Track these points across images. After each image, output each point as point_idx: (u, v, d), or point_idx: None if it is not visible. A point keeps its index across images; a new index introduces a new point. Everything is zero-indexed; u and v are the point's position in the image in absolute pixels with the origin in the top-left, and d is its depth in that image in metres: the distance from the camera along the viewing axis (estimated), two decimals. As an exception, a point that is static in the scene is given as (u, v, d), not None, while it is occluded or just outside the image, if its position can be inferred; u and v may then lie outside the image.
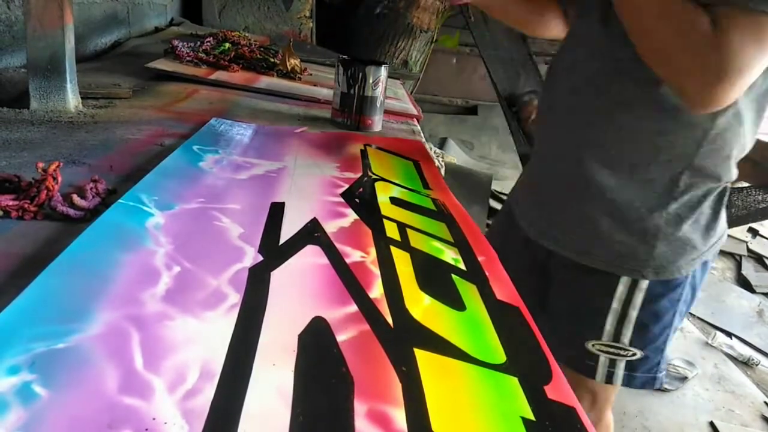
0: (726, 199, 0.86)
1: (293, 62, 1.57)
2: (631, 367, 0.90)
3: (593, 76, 0.83)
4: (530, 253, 0.95)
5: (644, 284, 0.86)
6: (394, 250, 0.62)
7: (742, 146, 0.81)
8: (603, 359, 0.90)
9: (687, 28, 0.66)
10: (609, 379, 0.90)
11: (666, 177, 0.81)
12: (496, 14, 1.09)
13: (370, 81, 1.12)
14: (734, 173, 0.84)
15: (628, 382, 0.90)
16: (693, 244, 0.84)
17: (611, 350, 0.89)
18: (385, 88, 1.16)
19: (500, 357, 0.46)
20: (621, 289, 0.86)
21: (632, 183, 0.82)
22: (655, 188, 0.82)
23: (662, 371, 0.92)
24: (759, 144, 1.39)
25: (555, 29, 1.05)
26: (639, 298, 0.86)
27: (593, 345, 0.90)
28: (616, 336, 0.88)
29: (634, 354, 0.89)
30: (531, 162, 1.01)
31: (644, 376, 0.91)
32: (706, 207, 0.84)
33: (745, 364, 2.44)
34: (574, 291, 0.91)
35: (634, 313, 0.87)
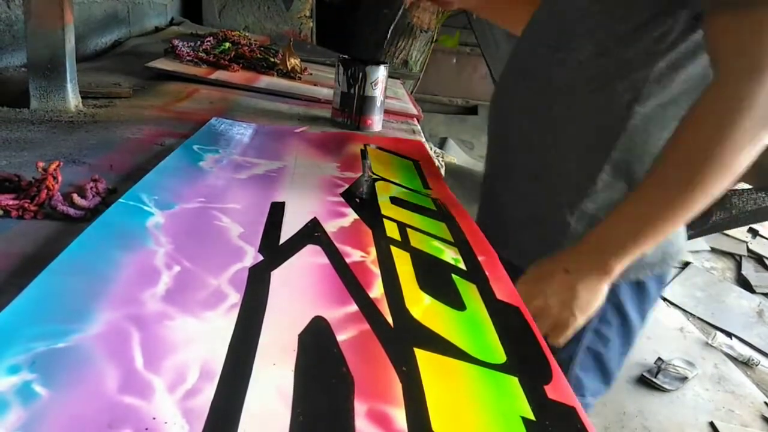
0: None
1: (293, 62, 1.57)
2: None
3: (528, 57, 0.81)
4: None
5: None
6: (394, 249, 0.62)
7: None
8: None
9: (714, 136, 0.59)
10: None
11: (583, 171, 0.74)
12: (486, 15, 1.06)
13: (370, 81, 1.12)
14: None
15: None
16: None
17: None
18: (386, 88, 1.16)
19: (500, 357, 0.46)
20: None
21: (549, 175, 0.77)
22: (570, 182, 0.76)
23: (584, 395, 0.82)
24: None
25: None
26: None
27: None
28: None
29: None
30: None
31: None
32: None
33: (745, 364, 2.44)
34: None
35: None
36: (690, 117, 0.63)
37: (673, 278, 3.09)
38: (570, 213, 0.76)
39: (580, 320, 0.70)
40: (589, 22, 0.73)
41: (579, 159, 0.76)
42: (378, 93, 1.14)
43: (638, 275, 0.78)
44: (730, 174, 0.62)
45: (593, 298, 0.69)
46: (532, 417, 0.40)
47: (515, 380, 0.44)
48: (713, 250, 3.54)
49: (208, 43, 1.66)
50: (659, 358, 2.26)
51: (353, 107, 1.14)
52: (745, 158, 0.61)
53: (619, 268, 0.67)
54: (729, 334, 2.67)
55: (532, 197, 0.80)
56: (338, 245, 0.61)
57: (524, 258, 0.76)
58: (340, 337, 0.45)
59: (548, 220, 0.79)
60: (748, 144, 0.60)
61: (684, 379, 2.20)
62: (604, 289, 0.69)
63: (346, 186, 0.79)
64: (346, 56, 1.13)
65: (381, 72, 1.13)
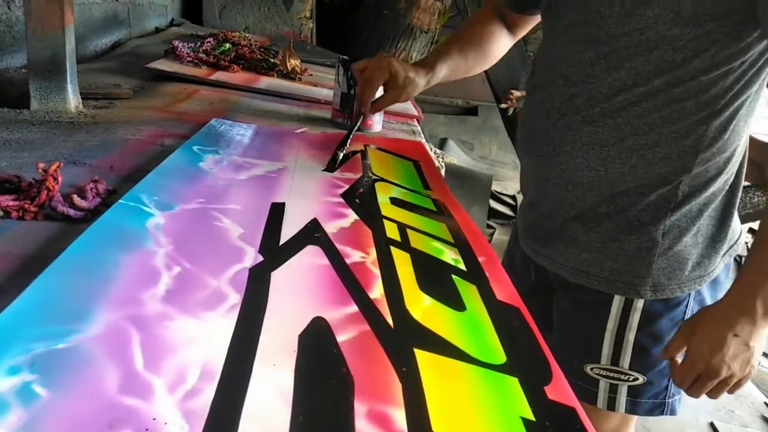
0: (735, 201, 0.80)
1: (293, 63, 1.57)
2: (634, 392, 0.84)
3: (560, 95, 0.78)
4: (534, 271, 0.91)
5: (640, 303, 0.80)
6: (394, 250, 0.62)
7: (742, 152, 0.78)
8: (603, 384, 0.84)
9: None
10: (611, 405, 0.84)
11: (662, 188, 0.75)
12: (454, 77, 1.06)
13: None
14: (740, 171, 0.79)
15: (631, 408, 0.84)
16: (695, 258, 0.78)
17: (611, 374, 0.84)
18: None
19: (500, 357, 0.46)
20: (615, 308, 0.81)
21: (627, 198, 0.77)
22: (652, 200, 0.76)
23: (673, 396, 0.85)
24: (759, 144, 1.39)
25: (503, 47, 1.05)
26: (635, 318, 0.80)
27: (591, 369, 0.84)
28: (615, 359, 0.82)
29: (636, 379, 0.83)
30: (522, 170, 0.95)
31: (650, 402, 0.84)
32: (709, 216, 0.78)
33: (745, 364, 2.44)
34: (571, 311, 0.86)
35: (631, 336, 0.81)
36: None
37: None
38: (656, 229, 0.77)
39: (747, 378, 0.75)
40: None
41: (658, 175, 0.75)
42: (377, 94, 1.14)
43: (716, 272, 0.82)
44: None
45: (763, 343, 0.73)
46: (532, 417, 0.40)
47: (515, 381, 0.44)
48: (713, 251, 3.54)
49: (208, 44, 1.66)
50: (659, 359, 2.26)
51: (353, 108, 1.14)
52: None
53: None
54: (729, 335, 2.67)
55: (607, 221, 0.79)
56: (338, 246, 0.61)
57: (591, 277, 0.81)
58: (340, 338, 0.45)
59: (634, 242, 0.78)
60: None
61: (684, 379, 2.20)
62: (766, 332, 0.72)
63: (346, 187, 0.79)
64: (346, 57, 1.13)
65: None
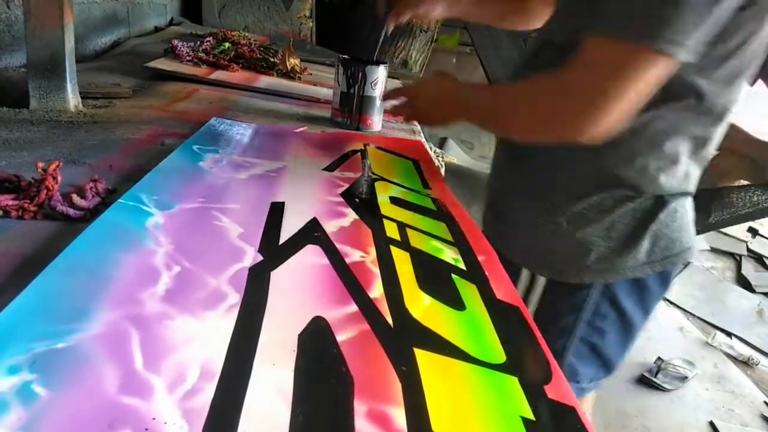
0: (678, 215, 0.78)
1: (293, 62, 1.57)
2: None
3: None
4: None
5: (541, 280, 0.84)
6: (393, 249, 0.62)
7: (670, 160, 0.74)
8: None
9: (524, 96, 0.72)
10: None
11: (573, 178, 0.78)
12: (476, 18, 1.08)
13: (370, 81, 1.12)
14: (666, 188, 0.76)
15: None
16: (600, 250, 0.78)
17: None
18: (385, 88, 1.16)
19: (500, 357, 0.46)
20: (522, 280, 0.86)
21: (540, 181, 0.82)
22: (562, 186, 0.79)
23: (578, 381, 0.85)
24: (757, 143, 1.39)
25: (539, 19, 1.01)
26: (536, 293, 0.85)
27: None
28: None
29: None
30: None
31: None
32: (622, 216, 0.77)
33: (744, 363, 2.44)
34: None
35: (531, 309, 0.84)
36: (529, 79, 0.75)
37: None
38: (561, 213, 0.80)
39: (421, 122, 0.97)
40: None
41: (570, 167, 0.78)
42: (377, 93, 1.14)
43: (636, 274, 0.79)
44: (508, 133, 0.80)
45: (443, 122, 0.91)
46: (531, 417, 0.40)
47: (515, 380, 0.44)
48: (713, 250, 3.54)
49: (208, 43, 1.66)
50: (659, 358, 2.26)
51: (353, 107, 1.14)
52: (516, 135, 0.78)
53: (453, 123, 0.89)
54: (729, 334, 2.67)
55: (526, 201, 0.83)
56: (338, 245, 0.61)
57: (523, 257, 0.84)
58: (340, 337, 0.45)
59: (541, 223, 0.82)
60: (521, 130, 0.75)
61: (684, 378, 2.20)
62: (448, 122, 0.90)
63: (346, 186, 0.79)
64: (346, 56, 1.13)
65: (380, 72, 1.13)
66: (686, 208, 0.80)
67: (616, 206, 0.77)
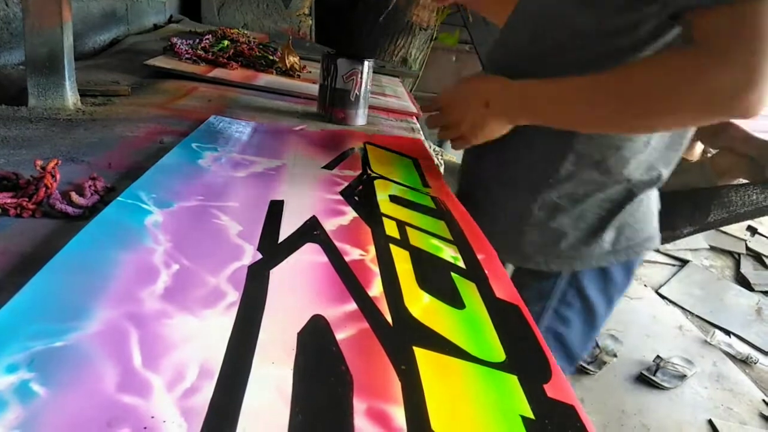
0: (645, 207, 0.80)
1: (292, 60, 1.56)
2: None
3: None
4: None
5: (509, 268, 0.84)
6: (393, 248, 0.62)
7: (637, 149, 0.76)
8: None
9: (665, 79, 0.63)
10: None
11: (547, 159, 0.78)
12: (476, 7, 1.09)
13: (341, 73, 1.12)
14: (639, 178, 0.78)
15: None
16: (569, 240, 0.80)
17: None
18: (365, 82, 1.15)
19: (500, 355, 0.46)
20: None
21: (516, 164, 0.81)
22: (534, 171, 0.79)
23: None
24: (756, 142, 1.39)
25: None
26: None
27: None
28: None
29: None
30: None
31: None
32: (591, 205, 0.79)
33: (743, 362, 2.45)
34: None
35: None
36: (653, 61, 0.67)
37: (673, 276, 3.09)
38: (533, 201, 0.80)
39: (478, 142, 0.82)
40: (559, 20, 0.76)
41: (543, 148, 0.79)
42: (351, 86, 1.13)
43: (601, 263, 0.82)
44: (647, 123, 0.68)
45: (495, 132, 0.79)
46: (531, 416, 0.40)
47: (514, 379, 0.44)
48: (712, 248, 3.54)
49: (207, 41, 1.65)
50: (658, 356, 2.27)
51: (326, 99, 1.16)
52: (665, 123, 0.68)
53: (523, 122, 0.77)
54: (728, 332, 2.68)
55: (498, 186, 0.84)
56: (337, 243, 0.61)
57: (493, 245, 0.80)
58: (339, 336, 0.45)
59: (511, 208, 0.83)
60: (678, 115, 0.65)
61: (683, 377, 2.20)
62: (506, 129, 0.79)
63: (345, 184, 0.79)
64: (331, 51, 1.14)
65: (356, 66, 1.12)
66: (651, 198, 0.83)
67: (587, 196, 0.79)
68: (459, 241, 0.67)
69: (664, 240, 1.03)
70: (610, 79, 0.67)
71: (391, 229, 0.67)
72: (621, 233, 0.81)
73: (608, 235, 0.81)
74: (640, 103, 0.66)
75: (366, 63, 1.13)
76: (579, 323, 0.86)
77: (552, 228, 0.81)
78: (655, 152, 0.78)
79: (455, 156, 4.01)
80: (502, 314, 0.53)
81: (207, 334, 0.42)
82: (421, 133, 1.25)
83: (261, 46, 1.76)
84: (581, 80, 0.69)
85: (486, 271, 0.61)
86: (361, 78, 1.13)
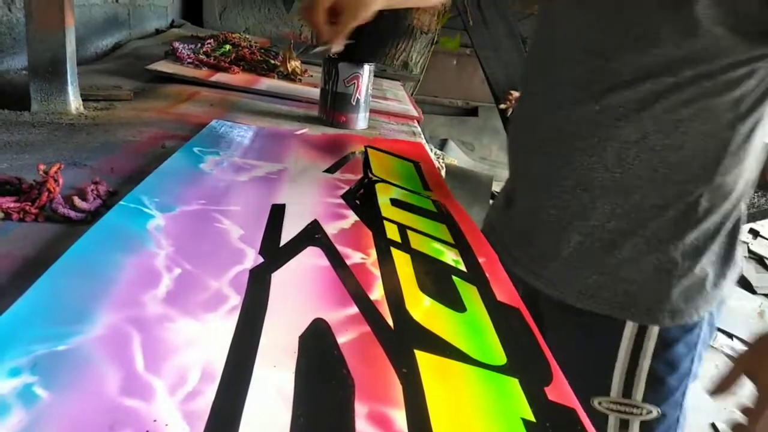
0: (742, 221, 0.72)
1: (294, 64, 1.57)
2: (647, 427, 0.75)
3: (576, 78, 0.68)
4: (521, 289, 0.78)
5: (655, 330, 0.71)
6: (394, 251, 0.62)
7: (756, 156, 0.69)
8: (613, 420, 0.74)
9: None
10: None
11: (682, 200, 0.68)
12: (399, 4, 1.00)
13: (342, 77, 1.13)
14: (749, 190, 0.72)
15: None
16: (711, 279, 0.71)
17: (622, 408, 0.74)
18: (366, 86, 1.15)
19: (501, 359, 0.46)
20: (627, 336, 0.72)
21: (643, 210, 0.69)
22: (671, 215, 0.68)
23: (681, 428, 0.77)
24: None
25: None
26: (650, 345, 0.72)
27: (600, 403, 0.74)
28: (626, 392, 0.74)
29: (649, 412, 0.74)
30: (509, 178, 0.85)
31: None
32: (724, 234, 0.71)
33: (746, 365, 2.44)
34: (573, 339, 0.76)
35: (645, 364, 0.72)
36: None
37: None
38: (675, 248, 0.69)
39: None
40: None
41: (677, 191, 0.68)
42: (352, 90, 1.14)
43: (725, 294, 0.75)
44: None
45: None
46: (532, 419, 0.40)
47: (515, 382, 0.44)
48: (714, 251, 3.53)
49: (209, 46, 1.66)
50: (660, 360, 2.26)
51: (327, 103, 1.16)
52: None
53: None
54: (730, 335, 2.67)
55: (618, 237, 0.71)
56: (338, 247, 0.61)
57: (601, 302, 0.72)
58: (341, 339, 0.45)
59: (647, 261, 0.70)
60: None
61: (685, 380, 2.20)
62: None
63: (347, 188, 0.79)
64: (333, 56, 1.14)
65: (357, 70, 1.13)
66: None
67: (721, 226, 0.70)
68: (460, 244, 0.67)
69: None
70: None
71: (392, 233, 0.67)
72: (737, 257, 0.73)
73: (737, 265, 0.73)
74: None
75: (367, 67, 1.14)
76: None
77: (696, 273, 0.70)
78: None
79: (456, 159, 4.02)
80: (503, 317, 0.53)
81: (209, 338, 0.43)
82: (422, 136, 1.26)
83: (262, 51, 1.76)
84: None
85: (487, 275, 0.61)
86: (362, 82, 1.14)
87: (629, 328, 0.72)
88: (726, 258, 0.73)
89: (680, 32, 0.60)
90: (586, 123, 0.68)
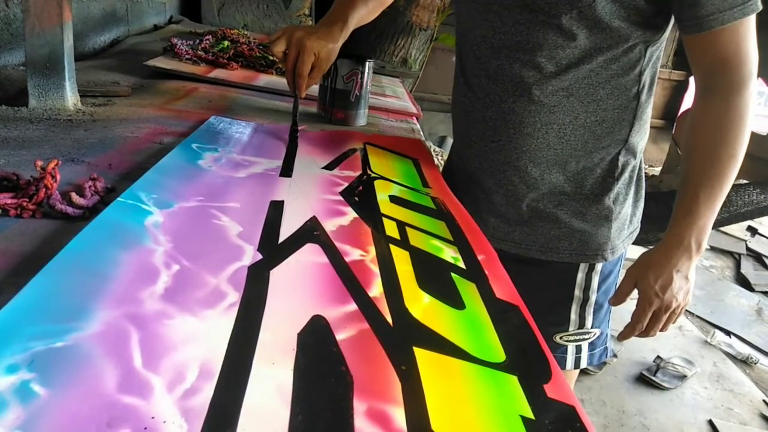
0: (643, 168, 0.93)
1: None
2: (592, 345, 0.94)
3: (512, 75, 0.83)
4: None
5: (599, 266, 0.90)
6: (393, 248, 0.62)
7: (649, 115, 0.89)
8: (571, 348, 0.93)
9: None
10: (577, 364, 0.94)
11: (607, 161, 0.86)
12: (360, 25, 1.06)
13: (341, 74, 1.13)
14: (646, 142, 0.91)
15: (590, 360, 0.95)
16: (629, 218, 0.91)
17: (578, 338, 0.93)
18: (365, 83, 1.15)
19: (500, 356, 0.46)
20: (580, 276, 0.90)
21: (580, 173, 0.86)
22: (600, 173, 0.86)
23: (608, 338, 0.98)
24: (757, 138, 1.39)
25: None
26: (596, 280, 0.90)
27: (561, 337, 0.92)
28: (581, 323, 0.92)
29: (594, 334, 0.94)
30: (457, 148, 0.99)
31: (600, 350, 0.96)
32: (635, 180, 0.90)
33: (743, 362, 2.44)
34: (530, 286, 0.85)
35: (593, 297, 0.91)
36: (714, 128, 0.77)
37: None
38: (608, 198, 0.87)
39: (688, 303, 0.85)
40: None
41: (602, 155, 0.86)
42: (351, 87, 1.13)
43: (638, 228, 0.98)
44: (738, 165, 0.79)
45: (692, 278, 0.83)
46: (531, 416, 0.40)
47: (514, 379, 0.44)
48: (712, 249, 3.54)
49: (207, 42, 1.65)
50: (658, 357, 2.26)
51: (326, 99, 1.16)
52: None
53: (704, 245, 0.81)
54: (728, 333, 2.67)
55: (567, 197, 0.88)
56: (337, 244, 0.61)
57: (561, 252, 0.89)
58: (340, 336, 0.45)
59: (591, 212, 0.88)
60: (746, 140, 0.78)
61: (683, 377, 2.20)
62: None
63: (346, 185, 0.79)
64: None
65: (356, 67, 1.12)
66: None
67: (632, 175, 0.90)
68: (459, 241, 0.67)
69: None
70: (705, 168, 0.78)
71: (391, 230, 0.67)
72: (643, 193, 0.96)
73: (642, 201, 0.95)
74: (736, 157, 0.77)
75: (366, 64, 1.14)
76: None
77: (622, 215, 0.89)
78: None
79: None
80: (502, 314, 0.53)
81: (207, 335, 0.42)
82: (421, 133, 1.25)
83: (261, 47, 1.76)
84: (693, 189, 0.78)
85: (486, 272, 0.61)
86: (362, 79, 1.14)
87: (581, 270, 0.90)
88: (636, 198, 0.93)
89: (588, 28, 0.76)
90: (527, 112, 0.83)
